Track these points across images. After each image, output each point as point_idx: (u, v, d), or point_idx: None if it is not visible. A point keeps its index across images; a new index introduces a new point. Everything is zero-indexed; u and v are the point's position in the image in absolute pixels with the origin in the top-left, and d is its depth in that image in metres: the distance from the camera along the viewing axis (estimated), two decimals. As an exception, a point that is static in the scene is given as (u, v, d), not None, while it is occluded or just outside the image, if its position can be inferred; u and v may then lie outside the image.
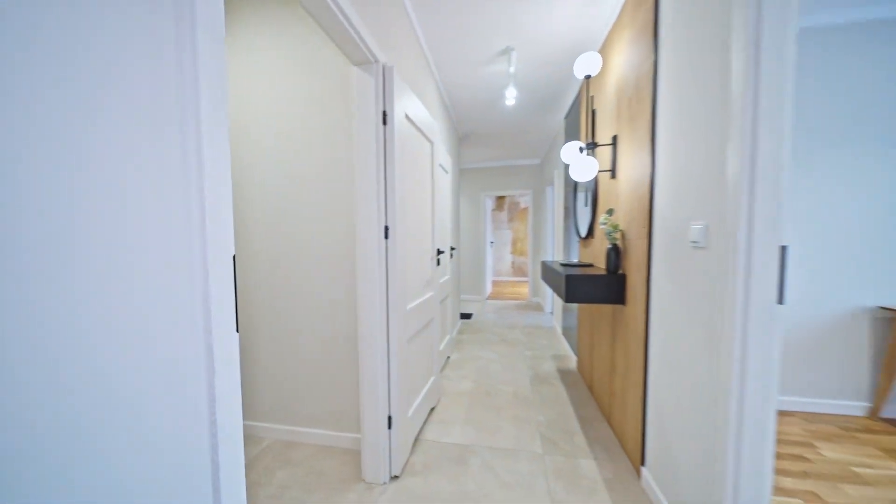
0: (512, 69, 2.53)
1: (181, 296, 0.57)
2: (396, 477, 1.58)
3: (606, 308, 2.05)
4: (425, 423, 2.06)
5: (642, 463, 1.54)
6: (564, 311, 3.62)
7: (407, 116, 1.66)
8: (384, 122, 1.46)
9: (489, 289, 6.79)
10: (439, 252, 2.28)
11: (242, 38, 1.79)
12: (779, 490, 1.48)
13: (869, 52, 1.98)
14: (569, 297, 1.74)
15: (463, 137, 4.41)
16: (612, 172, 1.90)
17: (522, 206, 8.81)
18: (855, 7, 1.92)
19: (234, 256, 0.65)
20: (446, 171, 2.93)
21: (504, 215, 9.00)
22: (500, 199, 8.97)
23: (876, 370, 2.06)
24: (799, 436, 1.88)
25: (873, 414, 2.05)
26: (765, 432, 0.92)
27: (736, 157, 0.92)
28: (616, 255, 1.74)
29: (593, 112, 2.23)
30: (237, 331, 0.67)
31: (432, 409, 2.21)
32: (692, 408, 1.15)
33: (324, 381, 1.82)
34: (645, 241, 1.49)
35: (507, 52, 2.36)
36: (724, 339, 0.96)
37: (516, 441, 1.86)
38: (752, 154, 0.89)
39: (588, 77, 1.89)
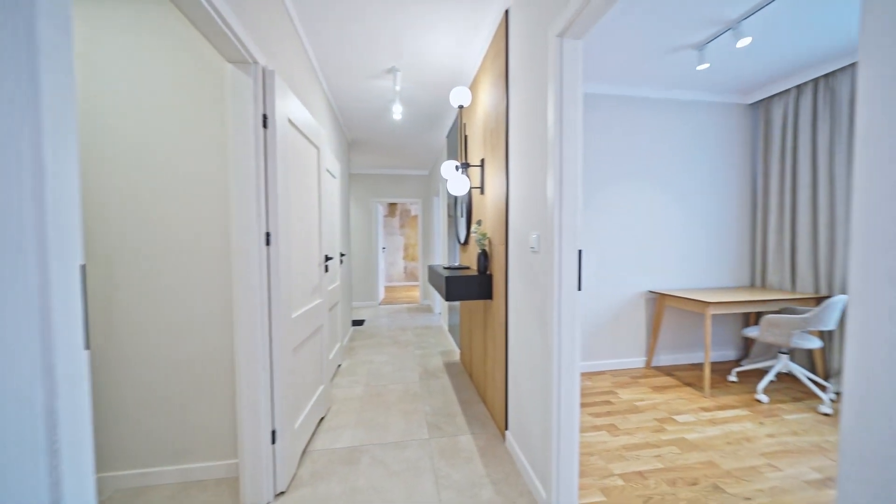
0: (398, 87, 2.71)
1: (11, 310, 0.51)
2: (282, 493, 1.53)
3: (480, 303, 2.41)
4: (314, 433, 2.01)
5: (506, 428, 1.89)
6: (450, 310, 3.99)
7: (291, 121, 1.64)
8: (265, 126, 1.43)
9: (382, 294, 6.84)
10: (327, 258, 2.26)
11: (113, 19, 1.45)
12: (592, 427, 2.03)
13: (629, 117, 2.90)
14: (449, 295, 2.00)
15: (352, 143, 4.40)
16: (482, 189, 2.27)
17: (413, 213, 9.16)
18: (612, 85, 2.79)
19: (83, 266, 0.60)
20: (334, 177, 2.90)
21: (396, 222, 9.19)
22: (392, 206, 9.13)
23: (649, 335, 3.01)
24: (607, 387, 2.59)
25: (647, 365, 2.98)
26: (573, 382, 1.31)
27: (551, 185, 1.28)
28: (485, 258, 2.08)
29: (465, 137, 2.60)
30: (87, 347, 0.61)
31: (322, 419, 2.17)
32: (535, 374, 1.51)
33: (194, 405, 1.61)
34: (504, 247, 1.86)
35: (392, 71, 2.54)
36: (548, 319, 1.32)
37: (405, 433, 2.01)
38: (560, 183, 1.27)
39: (461, 107, 2.22)
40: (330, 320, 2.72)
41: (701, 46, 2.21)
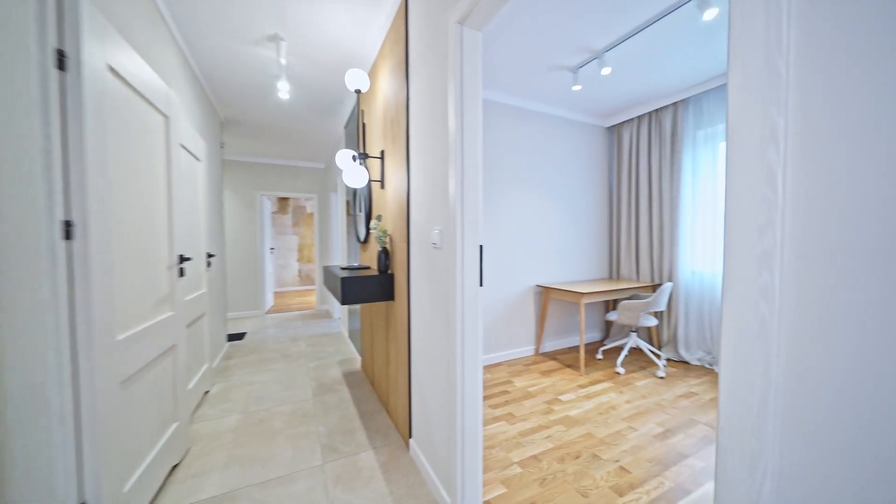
0: (283, 60, 2.34)
1: None
2: (99, 587, 1.09)
3: (381, 305, 2.26)
4: (162, 488, 1.54)
5: (410, 436, 1.79)
6: (350, 314, 3.70)
7: (115, 71, 1.20)
8: (60, 67, 0.99)
9: (270, 301, 5.98)
10: (183, 259, 1.78)
11: None
12: (492, 419, 2.10)
13: (521, 127, 3.19)
14: (345, 298, 1.79)
15: (227, 122, 3.68)
16: (382, 183, 2.12)
17: (309, 210, 8.33)
18: (507, 94, 3.04)
19: None
20: (198, 159, 2.34)
21: (288, 219, 8.20)
22: (284, 201, 8.12)
23: (537, 325, 3.33)
24: (504, 377, 2.75)
25: (536, 352, 3.30)
26: (476, 380, 1.28)
27: (453, 177, 1.24)
28: (385, 256, 1.94)
29: (364, 125, 2.41)
30: None
31: (175, 467, 1.69)
32: (438, 375, 1.44)
33: None
34: (405, 244, 1.76)
35: (275, 39, 2.17)
36: (451, 315, 1.27)
37: (293, 462, 1.71)
38: (462, 176, 1.23)
39: (359, 91, 2.03)
40: (190, 338, 2.17)
41: (575, 69, 2.53)
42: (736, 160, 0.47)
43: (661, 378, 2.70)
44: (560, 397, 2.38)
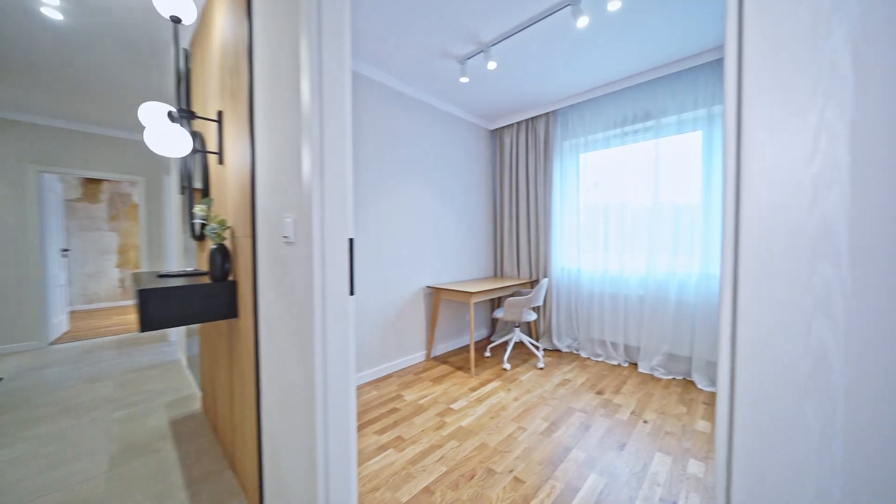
0: (39, -47, 1.49)
1: None
2: None
3: (223, 325, 1.66)
4: None
5: (261, 501, 1.30)
6: (188, 336, 2.80)
7: None
8: None
9: (63, 326, 4.18)
10: None
11: None
12: (377, 449, 1.78)
13: (411, 117, 2.98)
14: (145, 320, 1.19)
15: (-56, 49, 2.28)
16: (220, 156, 1.55)
17: (135, 199, 6.31)
18: (396, 79, 2.81)
19: None
20: None
21: (102, 210, 6.02)
22: (93, 184, 5.91)
23: (428, 328, 3.16)
24: (393, 391, 2.46)
25: (428, 357, 3.12)
26: (346, 416, 0.94)
27: (308, 151, 0.87)
28: (223, 256, 1.40)
29: (189, 71, 1.74)
30: None
31: None
32: (294, 418, 1.04)
33: None
34: (251, 240, 1.27)
35: None
36: (308, 335, 0.90)
37: None
38: (321, 148, 0.88)
39: (178, 21, 1.42)
40: None
41: (463, 60, 2.43)
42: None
43: (541, 369, 2.86)
44: (452, 406, 2.23)
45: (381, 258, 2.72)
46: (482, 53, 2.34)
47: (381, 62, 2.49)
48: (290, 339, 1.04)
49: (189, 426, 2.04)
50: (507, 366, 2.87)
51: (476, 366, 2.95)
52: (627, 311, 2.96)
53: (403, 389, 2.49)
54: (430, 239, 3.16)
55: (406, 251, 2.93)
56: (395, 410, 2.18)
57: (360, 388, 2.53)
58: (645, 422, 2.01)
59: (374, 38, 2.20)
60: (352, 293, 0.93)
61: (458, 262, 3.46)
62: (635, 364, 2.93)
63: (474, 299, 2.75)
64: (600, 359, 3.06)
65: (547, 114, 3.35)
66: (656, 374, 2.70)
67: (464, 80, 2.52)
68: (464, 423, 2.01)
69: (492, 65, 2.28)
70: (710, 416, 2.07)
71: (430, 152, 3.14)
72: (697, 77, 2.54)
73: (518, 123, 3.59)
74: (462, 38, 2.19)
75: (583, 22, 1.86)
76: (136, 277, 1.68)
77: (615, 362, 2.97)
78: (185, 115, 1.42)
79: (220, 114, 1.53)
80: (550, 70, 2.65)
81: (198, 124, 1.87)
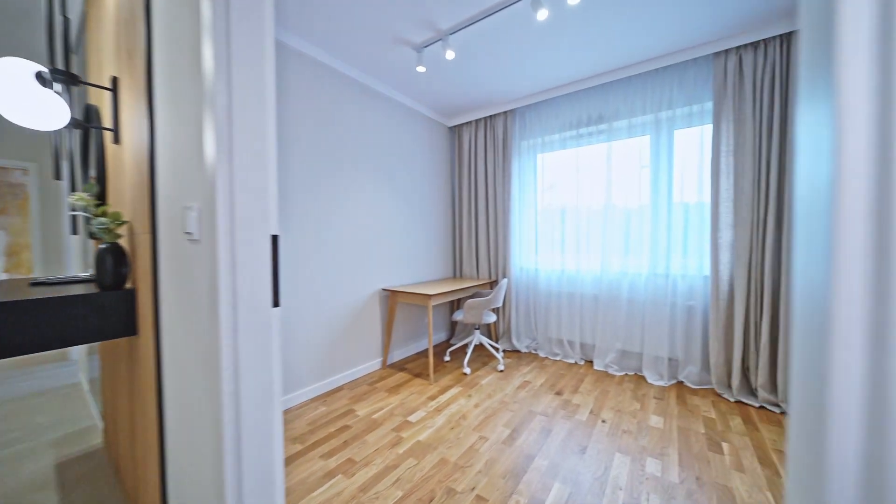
0: None
1: None
2: None
3: (125, 342, 1.35)
4: None
5: (167, 562, 1.04)
6: (90, 353, 2.33)
7: None
8: None
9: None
10: None
11: None
12: (325, 475, 1.56)
13: (363, 105, 2.78)
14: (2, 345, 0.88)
15: None
16: (116, 134, 1.24)
17: (29, 189, 5.29)
18: (346, 63, 2.59)
19: None
20: None
21: (-21, 205, 4.94)
22: (-34, 173, 4.83)
23: (383, 333, 2.96)
24: (344, 406, 2.23)
25: (384, 364, 2.93)
26: (270, 455, 0.75)
27: (212, 136, 0.67)
28: (117, 259, 1.11)
29: (67, 21, 1.38)
30: None
31: None
32: (203, 460, 0.82)
33: None
34: (150, 236, 1.01)
35: None
36: (214, 360, 0.69)
37: None
38: (229, 137, 0.68)
39: (49, -43, 1.11)
40: None
41: (420, 49, 2.29)
42: None
43: (502, 371, 2.80)
44: (410, 418, 2.06)
45: (333, 259, 2.48)
46: (440, 42, 2.21)
47: (332, 44, 2.26)
48: (195, 362, 0.81)
49: (82, 469, 1.65)
50: (467, 370, 2.77)
51: (435, 372, 2.81)
52: (583, 310, 3.01)
53: (356, 403, 2.28)
54: (388, 238, 2.97)
55: (362, 252, 2.71)
56: (345, 428, 1.97)
57: (304, 405, 2.26)
58: (603, 421, 2.01)
59: (323, 18, 1.97)
60: (276, 304, 0.74)
61: (416, 262, 3.30)
62: (591, 362, 2.98)
63: (433, 302, 2.62)
64: (558, 358, 3.08)
65: (505, 112, 3.32)
66: (610, 371, 2.76)
67: (421, 69, 2.37)
68: (422, 436, 1.86)
69: (450, 54, 2.17)
70: (661, 410, 2.13)
71: (387, 146, 2.95)
72: (646, 83, 2.64)
73: (477, 121, 3.52)
74: (418, 23, 2.05)
75: (542, 14, 1.81)
76: (9, 285, 1.30)
77: (572, 361, 3.00)
78: (61, 77, 1.11)
79: (114, 80, 1.23)
80: (509, 67, 2.60)
81: (93, 95, 1.52)
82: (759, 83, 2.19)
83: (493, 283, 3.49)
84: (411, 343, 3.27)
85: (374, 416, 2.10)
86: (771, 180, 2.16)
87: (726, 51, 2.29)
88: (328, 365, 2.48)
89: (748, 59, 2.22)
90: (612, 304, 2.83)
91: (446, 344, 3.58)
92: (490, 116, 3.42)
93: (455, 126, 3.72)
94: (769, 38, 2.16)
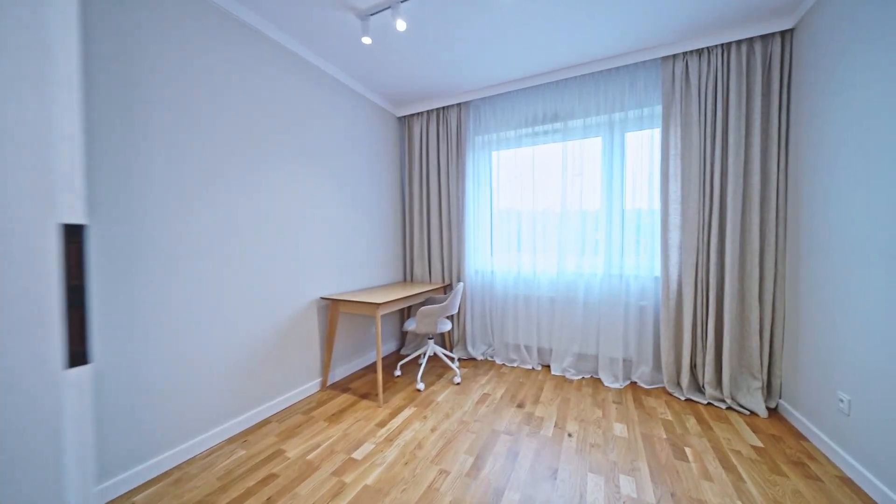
0: None
1: None
2: None
3: None
4: None
5: None
6: None
7: None
8: None
9: None
10: None
11: None
12: (235, 560, 1.16)
13: (301, 85, 2.35)
14: None
15: None
16: None
17: None
18: (282, 30, 2.17)
19: None
20: None
21: None
22: None
23: (323, 349, 2.54)
24: (270, 445, 1.80)
25: (324, 385, 2.51)
26: None
27: None
28: None
29: None
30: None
31: None
32: None
33: None
34: None
35: None
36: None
37: None
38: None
39: None
40: None
41: (365, 16, 1.95)
42: None
43: (458, 384, 2.56)
44: (355, 455, 1.72)
45: (254, 266, 2.01)
46: (389, 10, 1.90)
47: (260, 5, 1.81)
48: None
49: None
50: (420, 385, 2.48)
51: (385, 390, 2.47)
52: (540, 313, 2.92)
53: (286, 440, 1.85)
54: (329, 239, 2.56)
55: (295, 255, 2.27)
56: (270, 479, 1.55)
57: (216, 449, 1.78)
58: (569, 435, 1.88)
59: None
60: (81, 360, 0.38)
61: (362, 266, 2.92)
62: (548, 366, 2.90)
63: (382, 311, 2.28)
64: (515, 364, 2.95)
65: (459, 105, 3.10)
66: (568, 376, 2.69)
67: (366, 40, 2.03)
68: (370, 478, 1.53)
69: (401, 24, 1.87)
70: (623, 416, 2.07)
71: (327, 134, 2.54)
72: (599, 83, 2.62)
73: (429, 112, 3.26)
74: (363, -18, 1.72)
75: (508, -14, 1.61)
76: None
77: (529, 366, 2.89)
78: None
79: None
80: (466, 54, 2.38)
81: None
82: (704, 89, 2.26)
83: (447, 288, 3.26)
84: (357, 357, 2.89)
85: (310, 456, 1.71)
86: (714, 183, 2.24)
87: (674, 56, 2.34)
88: (250, 394, 2.01)
89: (693, 65, 2.28)
90: (569, 307, 2.77)
91: (396, 356, 3.25)
92: (443, 108, 3.18)
93: (405, 116, 3.42)
94: (712, 47, 2.24)
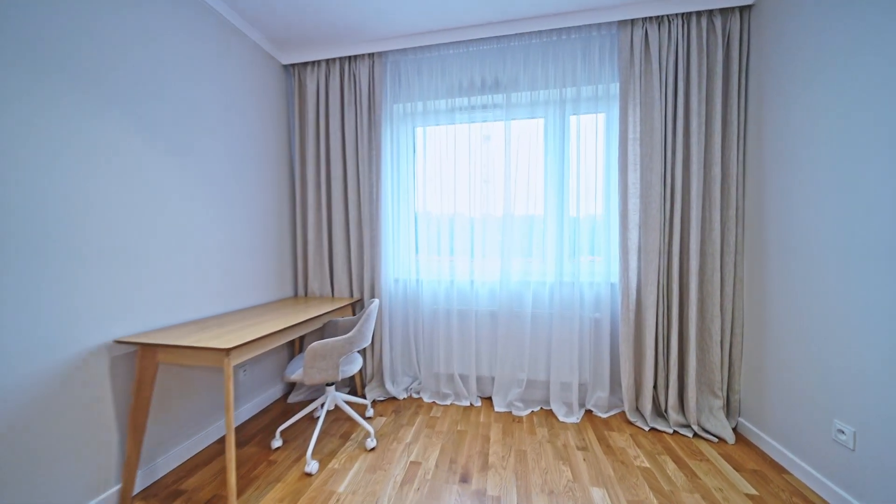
0: None
1: None
2: None
3: None
4: None
5: None
6: None
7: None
8: None
9: None
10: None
11: None
12: None
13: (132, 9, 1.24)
14: None
15: None
16: None
17: None
18: None
19: None
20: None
21: None
22: None
23: (122, 431, 1.43)
24: None
25: (126, 497, 1.40)
26: None
27: None
28: None
29: None
30: None
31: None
32: None
33: None
34: None
35: None
36: None
37: None
38: None
39: None
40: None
41: None
42: None
43: (373, 450, 1.75)
44: None
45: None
46: None
47: None
48: None
49: None
50: (311, 466, 1.58)
51: (250, 483, 1.50)
52: (479, 332, 2.30)
53: None
54: (162, 235, 1.47)
55: (87, 262, 1.15)
56: None
57: None
58: (543, 530, 1.26)
59: None
60: None
61: (219, 280, 1.87)
62: (489, 399, 2.30)
63: (236, 360, 1.33)
64: (448, 401, 2.26)
65: (372, 56, 2.29)
66: (515, 412, 2.12)
67: None
68: None
69: None
70: (596, 473, 1.56)
71: (172, 83, 1.45)
72: (548, 51, 2.12)
73: (329, 62, 2.35)
74: None
75: None
76: None
77: (466, 402, 2.24)
78: None
79: None
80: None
81: None
82: (665, 63, 1.94)
83: (356, 306, 2.40)
84: (205, 427, 1.82)
85: None
86: (676, 174, 1.93)
87: (632, 21, 1.97)
88: None
89: (654, 34, 1.94)
90: (515, 322, 2.22)
91: (278, 410, 2.24)
92: (350, 58, 2.32)
93: (294, 65, 2.44)
94: (672, 16, 1.92)
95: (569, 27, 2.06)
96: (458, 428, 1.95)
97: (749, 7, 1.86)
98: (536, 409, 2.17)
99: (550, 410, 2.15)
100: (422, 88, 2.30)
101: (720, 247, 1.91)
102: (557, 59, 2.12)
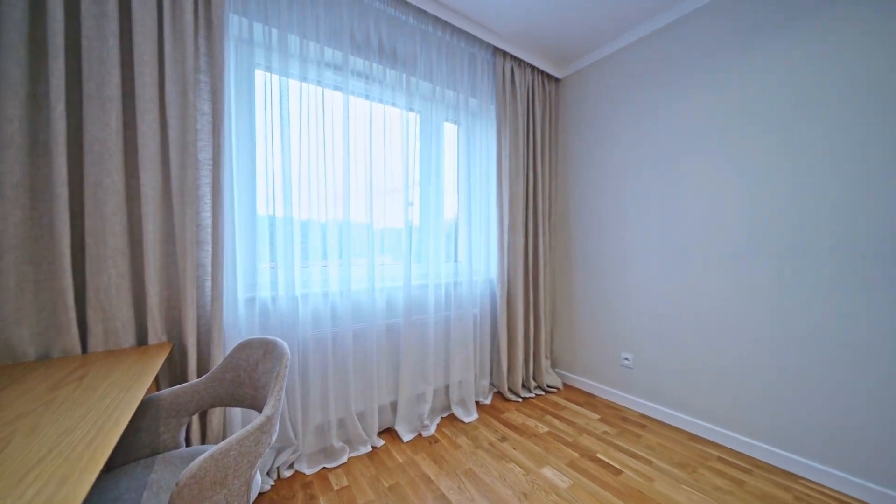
0: None
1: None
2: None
3: None
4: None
5: None
6: None
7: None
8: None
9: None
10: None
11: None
12: None
13: None
14: None
15: None
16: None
17: None
18: None
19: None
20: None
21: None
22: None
23: None
24: None
25: None
26: None
27: None
28: None
29: None
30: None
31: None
32: None
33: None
34: None
35: None
36: None
37: None
38: None
39: None
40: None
41: None
42: None
43: None
44: None
45: None
46: None
47: None
48: None
49: None
50: None
51: None
52: (380, 353, 1.86)
53: None
54: None
55: None
56: None
57: None
58: (556, 535, 1.22)
59: None
60: None
61: None
62: (392, 431, 1.90)
63: None
64: (342, 458, 1.66)
65: None
66: (425, 433, 1.89)
67: None
68: None
69: None
70: (532, 457, 1.69)
71: None
72: (443, 47, 2.06)
73: None
74: None
75: None
76: None
77: (368, 447, 1.74)
78: None
79: None
80: None
81: None
82: (523, 98, 2.39)
83: (172, 357, 1.28)
84: None
85: None
86: (529, 192, 2.43)
87: (504, 53, 2.29)
88: None
89: (518, 71, 2.35)
90: (418, 331, 1.97)
91: None
92: None
93: None
94: (525, 63, 2.40)
95: (459, 30, 2.08)
96: (386, 485, 1.49)
97: (558, 80, 2.66)
98: (443, 416, 2.03)
99: (452, 415, 2.08)
100: (280, 17, 1.54)
101: (545, 251, 2.59)
102: (451, 60, 2.10)
